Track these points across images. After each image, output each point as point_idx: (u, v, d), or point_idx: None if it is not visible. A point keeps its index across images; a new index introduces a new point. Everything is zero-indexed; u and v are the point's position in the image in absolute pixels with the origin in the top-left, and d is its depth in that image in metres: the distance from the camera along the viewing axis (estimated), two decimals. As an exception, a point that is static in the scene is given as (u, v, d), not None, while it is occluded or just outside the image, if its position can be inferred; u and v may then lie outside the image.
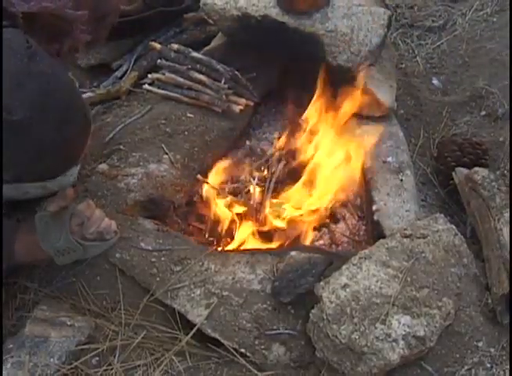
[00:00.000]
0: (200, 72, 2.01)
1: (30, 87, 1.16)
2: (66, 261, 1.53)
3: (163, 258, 1.64)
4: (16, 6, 1.23)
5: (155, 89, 2.09)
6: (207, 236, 1.89)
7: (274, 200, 1.90)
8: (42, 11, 1.29)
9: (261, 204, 1.89)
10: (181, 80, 2.02)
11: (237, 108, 2.00)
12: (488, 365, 1.44)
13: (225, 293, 1.55)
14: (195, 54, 2.04)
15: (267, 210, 1.86)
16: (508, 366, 1.43)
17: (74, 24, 1.38)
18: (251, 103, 2.06)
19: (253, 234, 1.87)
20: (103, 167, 1.86)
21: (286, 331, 1.49)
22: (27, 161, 1.24)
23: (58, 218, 1.51)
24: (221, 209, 1.90)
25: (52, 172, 1.38)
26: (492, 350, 1.46)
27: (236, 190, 1.96)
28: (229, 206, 1.91)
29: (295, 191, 1.92)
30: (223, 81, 1.97)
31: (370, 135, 1.90)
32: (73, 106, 1.27)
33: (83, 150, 1.37)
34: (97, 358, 1.45)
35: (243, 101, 2.02)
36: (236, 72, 2.01)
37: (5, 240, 1.52)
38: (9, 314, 1.58)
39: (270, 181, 1.90)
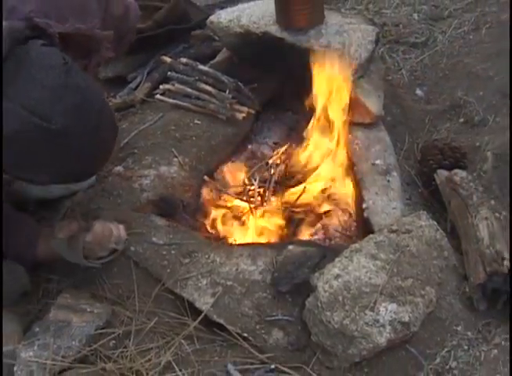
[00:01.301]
0: (207, 83, 2.01)
1: (68, 99, 1.18)
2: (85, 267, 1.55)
3: (173, 252, 1.64)
4: (53, 27, 1.25)
5: (166, 99, 2.09)
6: (211, 231, 1.89)
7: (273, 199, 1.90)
8: (76, 32, 1.31)
9: (262, 202, 1.89)
10: (189, 90, 2.02)
11: (240, 116, 2.00)
12: (466, 347, 1.44)
13: (229, 283, 1.55)
14: (202, 67, 2.04)
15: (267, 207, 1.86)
16: (484, 348, 1.44)
17: (102, 43, 1.40)
18: (253, 111, 2.06)
19: (253, 229, 1.87)
20: (119, 169, 1.86)
21: (285, 317, 1.49)
22: (64, 165, 1.25)
23: (71, 247, 1.52)
24: (224, 208, 1.91)
25: (86, 174, 1.40)
26: (470, 334, 1.46)
27: (238, 190, 1.96)
28: (232, 204, 1.91)
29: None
30: (227, 92, 1.97)
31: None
32: (105, 114, 1.28)
33: (112, 152, 1.39)
34: (114, 341, 1.45)
35: (245, 109, 2.02)
36: (239, 83, 2.00)
37: (28, 242, 1.53)
38: (35, 301, 1.58)
39: (270, 182, 1.90)
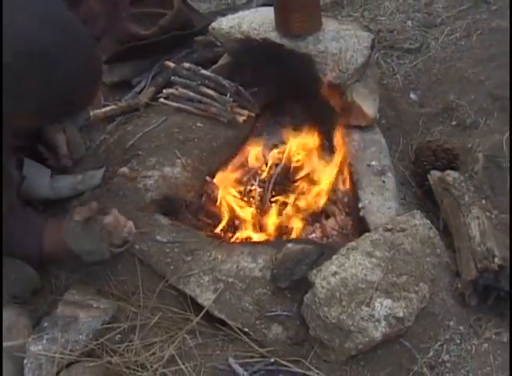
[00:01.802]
0: (209, 87, 2.01)
1: (60, 21, 1.19)
2: (92, 260, 1.53)
3: (176, 250, 1.64)
4: None
5: (169, 102, 2.08)
6: (214, 230, 1.89)
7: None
8: None
9: (262, 201, 1.89)
10: (192, 94, 2.02)
11: (241, 119, 1.99)
12: (458, 341, 1.44)
13: (230, 279, 1.55)
14: (204, 71, 2.04)
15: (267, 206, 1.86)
16: (475, 342, 1.44)
17: None
18: (253, 114, 2.06)
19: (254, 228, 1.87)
20: (124, 170, 1.86)
21: (284, 313, 1.49)
22: (52, 90, 1.21)
23: (88, 228, 1.50)
24: (226, 206, 1.90)
25: (71, 107, 1.33)
26: (461, 328, 1.46)
27: (239, 190, 1.96)
28: (234, 204, 1.91)
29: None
30: (228, 95, 1.97)
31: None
32: (94, 51, 1.28)
33: (96, 93, 1.36)
34: (119, 335, 1.45)
35: (245, 112, 2.01)
36: (240, 87, 2.00)
37: (32, 233, 1.51)
38: (44, 298, 1.58)
39: (269, 182, 1.90)
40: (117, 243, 1.55)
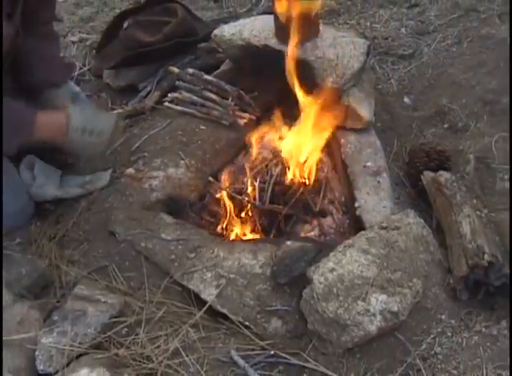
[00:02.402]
0: (211, 92, 2.01)
1: None
2: (89, 145, 1.58)
3: (180, 247, 1.64)
4: None
5: (174, 106, 2.09)
6: (216, 228, 1.88)
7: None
8: None
9: (262, 200, 1.88)
10: (195, 98, 2.02)
11: (242, 121, 2.00)
12: (449, 334, 1.44)
13: (232, 275, 1.55)
14: (207, 76, 2.04)
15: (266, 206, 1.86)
16: (466, 335, 1.44)
17: None
18: (253, 117, 2.06)
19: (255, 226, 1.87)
20: (131, 171, 1.86)
21: (283, 307, 1.50)
22: None
23: (101, 109, 1.61)
24: (229, 205, 1.90)
25: None
26: (453, 322, 1.46)
27: (241, 189, 1.96)
28: (235, 203, 1.91)
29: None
30: (230, 99, 1.97)
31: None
32: None
33: None
34: (126, 329, 1.46)
35: (246, 115, 2.02)
36: (241, 91, 2.01)
37: (25, 115, 1.50)
38: (54, 292, 1.59)
39: (269, 182, 1.90)
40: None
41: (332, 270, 1.44)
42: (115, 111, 1.67)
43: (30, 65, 1.77)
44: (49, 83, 1.81)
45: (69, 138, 1.60)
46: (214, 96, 2.00)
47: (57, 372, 1.31)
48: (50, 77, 1.81)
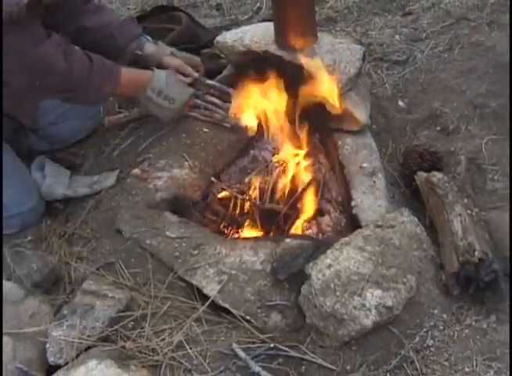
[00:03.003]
0: (214, 96, 2.01)
1: None
2: (159, 108, 1.73)
3: (184, 244, 1.64)
4: None
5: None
6: (218, 226, 1.88)
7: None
8: None
9: (262, 200, 1.88)
10: (198, 102, 2.02)
11: (243, 124, 1.98)
12: (441, 327, 1.44)
13: (234, 272, 1.55)
14: (209, 81, 2.03)
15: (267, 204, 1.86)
16: (457, 328, 1.44)
17: None
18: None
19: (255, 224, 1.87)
20: (136, 171, 1.86)
21: (283, 302, 1.50)
22: None
23: (182, 82, 1.73)
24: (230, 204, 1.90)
25: None
26: (445, 316, 1.46)
27: (242, 189, 1.96)
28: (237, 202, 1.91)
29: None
30: (232, 103, 1.97)
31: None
32: None
33: None
34: (132, 323, 1.46)
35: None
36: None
37: (113, 67, 1.62)
38: (64, 287, 1.59)
39: (269, 182, 1.90)
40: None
41: (329, 267, 1.44)
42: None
43: (105, 37, 1.84)
44: (133, 38, 1.89)
45: (146, 96, 1.72)
46: (216, 100, 2.00)
47: (67, 363, 1.32)
48: (131, 33, 1.89)
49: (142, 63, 1.86)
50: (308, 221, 1.83)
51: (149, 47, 1.92)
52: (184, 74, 1.86)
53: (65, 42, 1.57)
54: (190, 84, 1.90)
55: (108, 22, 1.87)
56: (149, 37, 1.97)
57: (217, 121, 2.00)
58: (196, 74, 1.93)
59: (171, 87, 1.73)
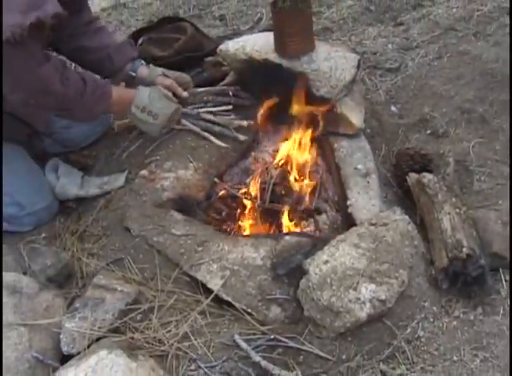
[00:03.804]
0: (208, 106, 1.99)
1: None
2: (147, 123, 1.71)
3: (189, 241, 1.64)
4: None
5: (183, 120, 2.02)
6: (221, 224, 1.88)
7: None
8: None
9: (263, 200, 1.88)
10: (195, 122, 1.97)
11: (242, 137, 1.96)
12: (431, 319, 1.45)
13: (236, 267, 1.55)
14: (200, 89, 2.00)
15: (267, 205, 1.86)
16: (446, 320, 1.44)
17: None
18: (252, 123, 2.01)
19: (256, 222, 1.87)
20: (144, 172, 1.86)
21: (282, 296, 1.50)
22: None
23: (167, 96, 1.70)
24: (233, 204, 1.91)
25: None
26: (435, 308, 1.47)
27: (244, 190, 1.96)
28: (238, 201, 1.91)
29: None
30: (232, 116, 1.96)
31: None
32: None
33: None
34: (140, 315, 1.46)
35: (245, 122, 1.97)
36: (237, 87, 2.02)
37: (105, 87, 1.63)
38: (76, 282, 1.60)
39: (269, 183, 1.90)
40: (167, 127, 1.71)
41: (326, 262, 1.45)
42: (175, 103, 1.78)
43: (103, 58, 1.84)
44: (128, 60, 1.90)
45: (132, 113, 1.72)
46: (211, 117, 1.96)
47: (79, 353, 1.32)
48: (127, 56, 1.90)
49: (135, 84, 1.84)
50: (305, 219, 1.83)
51: (143, 70, 1.91)
52: (174, 94, 1.85)
53: (62, 66, 1.55)
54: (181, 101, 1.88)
55: (107, 44, 1.86)
56: (143, 62, 1.96)
57: (216, 133, 1.97)
58: (184, 94, 1.90)
59: (154, 103, 1.70)
